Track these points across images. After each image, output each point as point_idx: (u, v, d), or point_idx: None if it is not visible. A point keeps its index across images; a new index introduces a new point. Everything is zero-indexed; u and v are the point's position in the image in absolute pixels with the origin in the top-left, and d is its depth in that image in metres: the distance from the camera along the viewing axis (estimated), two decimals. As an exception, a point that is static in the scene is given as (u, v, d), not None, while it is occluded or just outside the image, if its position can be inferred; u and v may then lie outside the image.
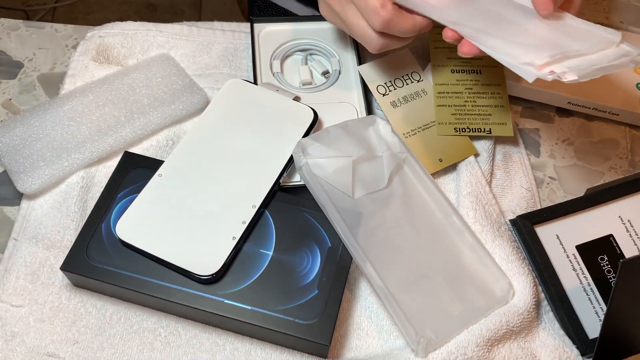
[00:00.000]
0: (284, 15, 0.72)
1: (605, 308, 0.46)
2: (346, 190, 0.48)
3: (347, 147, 0.50)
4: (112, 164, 0.51)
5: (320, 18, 0.58)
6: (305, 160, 0.48)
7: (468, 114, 0.55)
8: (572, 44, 0.43)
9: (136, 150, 0.53)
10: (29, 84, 0.58)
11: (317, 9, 0.74)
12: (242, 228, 0.45)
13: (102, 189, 0.48)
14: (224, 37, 0.61)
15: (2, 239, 0.49)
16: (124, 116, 0.53)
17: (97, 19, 1.76)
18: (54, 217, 0.49)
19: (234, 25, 0.63)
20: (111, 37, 0.59)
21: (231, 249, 0.44)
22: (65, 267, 0.44)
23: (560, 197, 0.54)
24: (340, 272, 0.45)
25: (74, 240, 0.46)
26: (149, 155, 0.52)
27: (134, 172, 0.48)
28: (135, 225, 0.45)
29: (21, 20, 0.62)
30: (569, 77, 0.41)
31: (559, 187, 0.55)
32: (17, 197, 0.51)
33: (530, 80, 0.41)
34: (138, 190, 0.47)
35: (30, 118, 0.52)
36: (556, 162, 0.56)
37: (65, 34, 0.62)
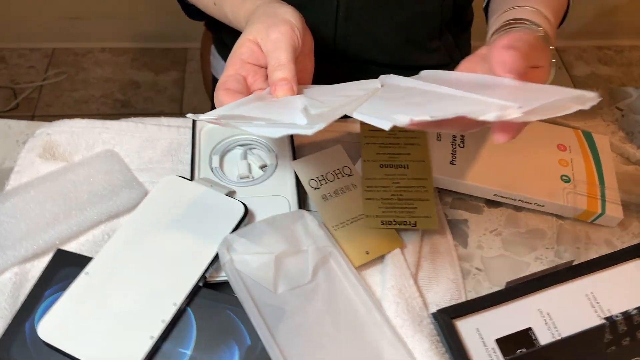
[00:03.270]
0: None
1: (522, 404, 0.47)
2: (269, 286, 0.49)
3: (273, 242, 0.51)
4: (48, 259, 0.53)
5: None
6: (230, 257, 0.50)
7: (395, 207, 0.57)
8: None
9: (72, 245, 0.54)
10: (-23, 179, 0.60)
11: None
12: (161, 327, 0.46)
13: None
14: (169, 132, 0.64)
15: None
16: (63, 213, 0.55)
17: (83, 96, 1.84)
18: (-16, 314, 0.50)
19: (180, 120, 0.66)
20: (58, 134, 0.62)
21: (148, 349, 0.45)
22: (-15, 368, 0.45)
23: (486, 288, 0.56)
24: (257, 370, 0.46)
25: (-1, 339, 0.47)
26: (84, 250, 0.54)
27: (65, 270, 0.50)
28: (57, 325, 0.46)
29: (-24, 118, 0.65)
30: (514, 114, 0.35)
31: (485, 277, 0.56)
32: (-49, 293, 0.52)
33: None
34: (66, 288, 0.48)
35: (-29, 215, 0.54)
36: (483, 253, 0.58)
37: (18, 130, 0.65)
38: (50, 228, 0.54)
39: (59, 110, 1.80)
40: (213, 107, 0.49)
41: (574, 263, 0.54)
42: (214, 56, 0.94)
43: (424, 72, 0.55)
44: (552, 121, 0.68)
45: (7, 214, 0.55)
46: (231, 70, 0.50)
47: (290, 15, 0.51)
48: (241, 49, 0.51)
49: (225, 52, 0.89)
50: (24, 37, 1.93)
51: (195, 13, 0.74)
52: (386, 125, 0.37)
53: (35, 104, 1.82)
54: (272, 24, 0.50)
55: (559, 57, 1.97)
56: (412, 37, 0.75)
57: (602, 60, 2.01)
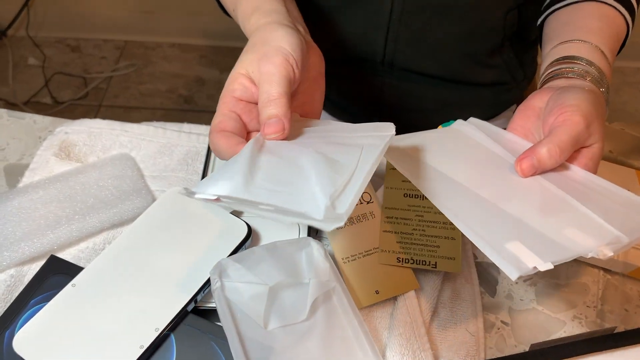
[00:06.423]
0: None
1: None
2: (259, 321, 0.45)
3: (270, 271, 0.47)
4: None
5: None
6: (220, 283, 0.46)
7: (414, 244, 0.51)
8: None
9: (72, 251, 0.53)
10: (-5, 173, 0.60)
11: None
12: (138, 353, 0.43)
13: (28, 290, 0.48)
14: (189, 140, 0.61)
15: None
16: (65, 217, 0.53)
17: (148, 90, 1.87)
18: (-26, 315, 0.49)
19: (202, 128, 0.63)
20: (76, 134, 0.60)
21: (121, 376, 0.42)
22: (-43, 375, 0.43)
23: (510, 345, 0.49)
24: (233, 413, 0.41)
25: (-17, 344, 0.45)
26: (83, 257, 0.52)
27: (54, 277, 0.48)
28: (34, 339, 0.44)
29: (5, 110, 0.65)
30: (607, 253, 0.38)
31: (510, 334, 0.50)
32: (-51, 289, 0.51)
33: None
34: (52, 298, 0.46)
35: (-23, 210, 0.54)
36: (512, 305, 0.51)
37: (42, 126, 0.64)
38: (51, 231, 0.52)
39: (124, 102, 1.84)
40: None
41: (616, 330, 0.46)
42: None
43: (472, 120, 0.51)
44: (613, 159, 0.60)
45: (12, 213, 0.53)
46: (225, 109, 0.45)
47: (285, 41, 0.45)
48: (233, 85, 0.45)
49: None
50: (98, 28, 2.00)
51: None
52: (514, 275, 0.34)
53: (103, 94, 1.87)
54: (263, 55, 0.44)
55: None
56: (471, 50, 0.68)
57: None
